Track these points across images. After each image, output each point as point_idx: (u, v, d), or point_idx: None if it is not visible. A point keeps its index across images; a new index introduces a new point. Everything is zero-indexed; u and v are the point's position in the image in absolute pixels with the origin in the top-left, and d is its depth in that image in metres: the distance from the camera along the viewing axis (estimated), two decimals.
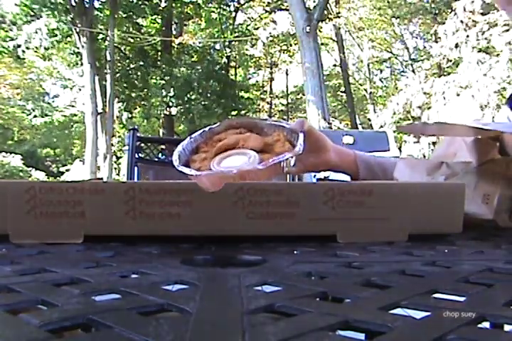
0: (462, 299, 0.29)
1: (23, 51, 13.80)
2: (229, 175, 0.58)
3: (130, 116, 15.44)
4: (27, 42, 13.23)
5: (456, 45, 10.40)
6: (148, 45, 15.01)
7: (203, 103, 14.07)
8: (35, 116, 21.45)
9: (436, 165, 0.73)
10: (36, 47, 13.52)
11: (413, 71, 16.25)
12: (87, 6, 13.28)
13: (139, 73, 14.98)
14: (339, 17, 15.39)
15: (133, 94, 14.98)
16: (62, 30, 13.27)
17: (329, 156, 0.87)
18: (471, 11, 9.90)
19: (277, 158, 0.61)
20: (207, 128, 0.75)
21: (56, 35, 13.37)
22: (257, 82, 21.03)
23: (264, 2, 17.29)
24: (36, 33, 13.01)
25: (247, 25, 17.52)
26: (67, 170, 19.06)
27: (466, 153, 0.71)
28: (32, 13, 12.91)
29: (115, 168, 14.75)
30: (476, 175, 0.68)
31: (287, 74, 20.21)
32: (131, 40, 14.80)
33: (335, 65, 19.96)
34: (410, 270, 0.38)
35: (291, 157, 0.65)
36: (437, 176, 0.71)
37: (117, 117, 14.94)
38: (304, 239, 0.53)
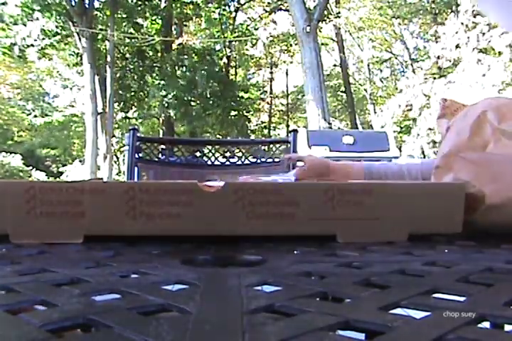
0: (462, 299, 0.29)
1: (22, 50, 13.79)
2: None
3: (125, 116, 15.42)
4: (24, 41, 13.23)
5: (457, 46, 10.41)
6: (147, 46, 15.00)
7: (202, 104, 14.07)
8: (35, 116, 21.45)
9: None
10: (33, 46, 13.50)
11: (413, 71, 16.25)
12: (86, 6, 13.27)
13: (137, 74, 14.97)
14: (339, 17, 15.39)
15: (129, 95, 14.97)
16: (62, 29, 13.27)
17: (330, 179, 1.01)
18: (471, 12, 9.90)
19: None
20: None
21: (55, 35, 13.37)
22: (257, 82, 21.03)
23: (264, 2, 17.30)
24: (29, 35, 13.01)
25: (247, 26, 17.52)
26: (66, 171, 19.04)
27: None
28: (31, 13, 12.89)
29: (115, 168, 14.75)
30: None
31: (287, 74, 20.22)
32: (131, 41, 14.80)
33: (335, 65, 19.96)
34: (410, 270, 0.38)
35: None
36: None
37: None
38: (304, 239, 0.53)
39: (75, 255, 0.46)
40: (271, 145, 1.71)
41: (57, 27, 13.13)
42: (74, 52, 14.46)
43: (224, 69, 16.04)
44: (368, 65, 19.45)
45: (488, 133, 0.65)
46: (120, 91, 14.71)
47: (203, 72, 13.62)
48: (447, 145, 0.70)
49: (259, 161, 1.68)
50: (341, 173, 1.03)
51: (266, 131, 19.67)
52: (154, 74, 14.62)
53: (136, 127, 1.73)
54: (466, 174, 0.63)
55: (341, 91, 19.76)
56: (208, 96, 14.10)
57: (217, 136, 15.27)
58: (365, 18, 17.76)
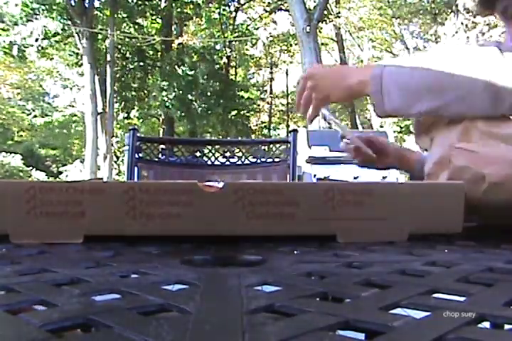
0: (462, 299, 0.29)
1: (22, 50, 13.79)
2: None
3: (126, 116, 15.41)
4: (25, 41, 13.24)
5: None
6: (148, 45, 15.00)
7: (203, 104, 14.07)
8: (35, 116, 21.47)
9: None
10: (32, 46, 13.51)
11: None
12: (86, 5, 13.27)
13: (137, 73, 14.97)
14: (339, 17, 15.40)
15: (130, 95, 14.96)
16: (62, 29, 13.27)
17: (388, 160, 1.04)
18: (470, 12, 9.90)
19: None
20: None
21: (55, 35, 13.38)
22: (257, 82, 21.03)
23: (264, 2, 17.30)
24: (30, 35, 13.01)
25: (247, 25, 17.53)
26: (66, 171, 19.03)
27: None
28: (31, 12, 12.89)
29: (115, 168, 14.75)
30: None
31: (287, 74, 20.20)
32: (131, 40, 14.79)
33: (335, 65, 19.94)
34: (410, 270, 0.38)
35: None
36: None
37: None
38: (304, 239, 0.53)
39: (75, 255, 0.46)
40: (271, 145, 1.71)
41: (61, 29, 13.14)
42: (74, 52, 14.47)
43: (224, 69, 16.04)
44: None
45: (476, 136, 0.67)
46: (121, 91, 14.71)
47: (203, 69, 13.62)
48: (437, 152, 0.71)
49: (259, 161, 1.68)
50: (397, 156, 1.04)
51: (266, 131, 19.66)
52: (155, 74, 14.61)
53: (136, 127, 1.73)
54: (464, 160, 0.66)
55: None
56: (209, 95, 14.10)
57: (218, 135, 15.27)
58: (365, 18, 17.75)
